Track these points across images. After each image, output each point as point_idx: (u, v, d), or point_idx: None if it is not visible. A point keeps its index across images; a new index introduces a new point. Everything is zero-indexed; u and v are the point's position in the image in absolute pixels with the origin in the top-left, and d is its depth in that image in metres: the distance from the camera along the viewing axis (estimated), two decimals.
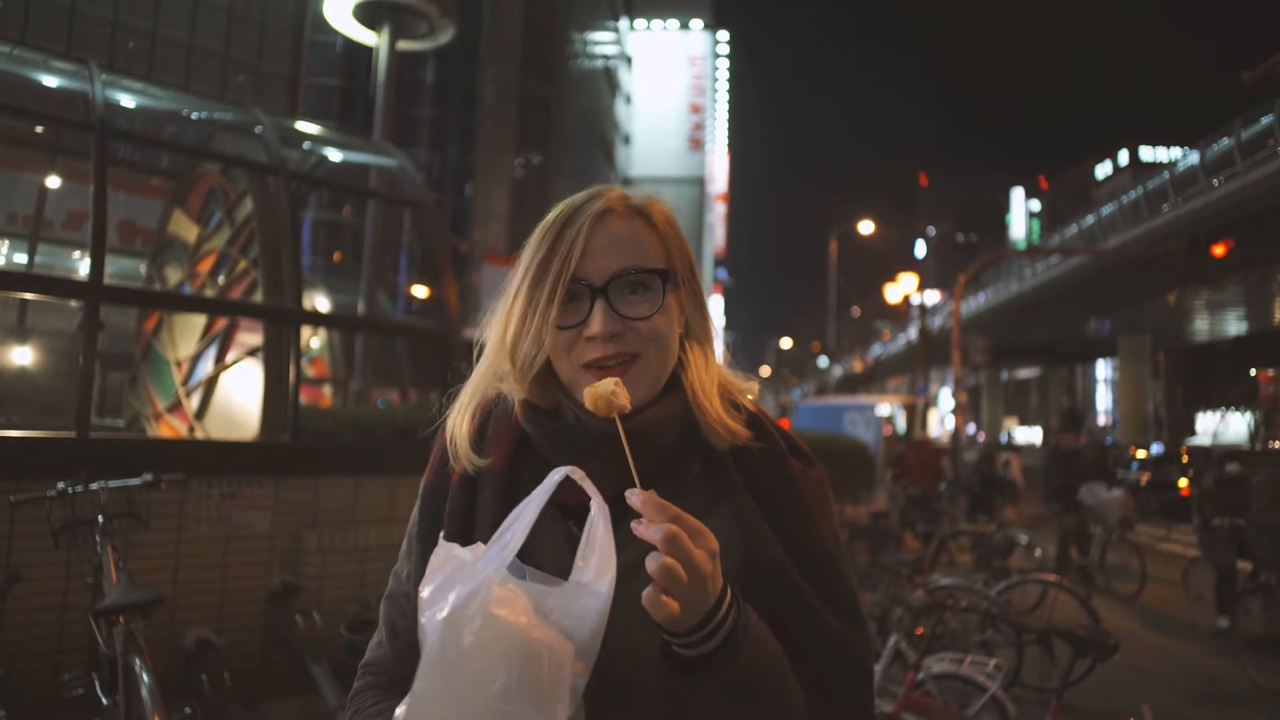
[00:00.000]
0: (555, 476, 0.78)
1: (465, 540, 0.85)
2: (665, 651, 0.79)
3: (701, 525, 0.75)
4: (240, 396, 5.91)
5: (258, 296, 5.64)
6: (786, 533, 0.91)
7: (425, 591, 0.75)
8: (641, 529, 0.73)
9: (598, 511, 0.75)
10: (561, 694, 0.70)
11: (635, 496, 0.74)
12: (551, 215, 0.95)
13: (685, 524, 0.73)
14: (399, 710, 0.75)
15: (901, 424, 23.65)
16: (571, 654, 0.71)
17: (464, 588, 0.71)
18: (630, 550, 0.85)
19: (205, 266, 6.64)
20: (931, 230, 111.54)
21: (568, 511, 0.88)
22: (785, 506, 0.93)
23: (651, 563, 0.71)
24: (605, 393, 0.83)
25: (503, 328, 0.94)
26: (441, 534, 0.89)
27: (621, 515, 0.87)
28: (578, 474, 0.78)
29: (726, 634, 0.76)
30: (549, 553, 0.87)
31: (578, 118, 51.79)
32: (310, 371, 11.60)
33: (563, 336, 0.90)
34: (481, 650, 0.69)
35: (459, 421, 0.98)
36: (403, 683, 0.90)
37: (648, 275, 0.91)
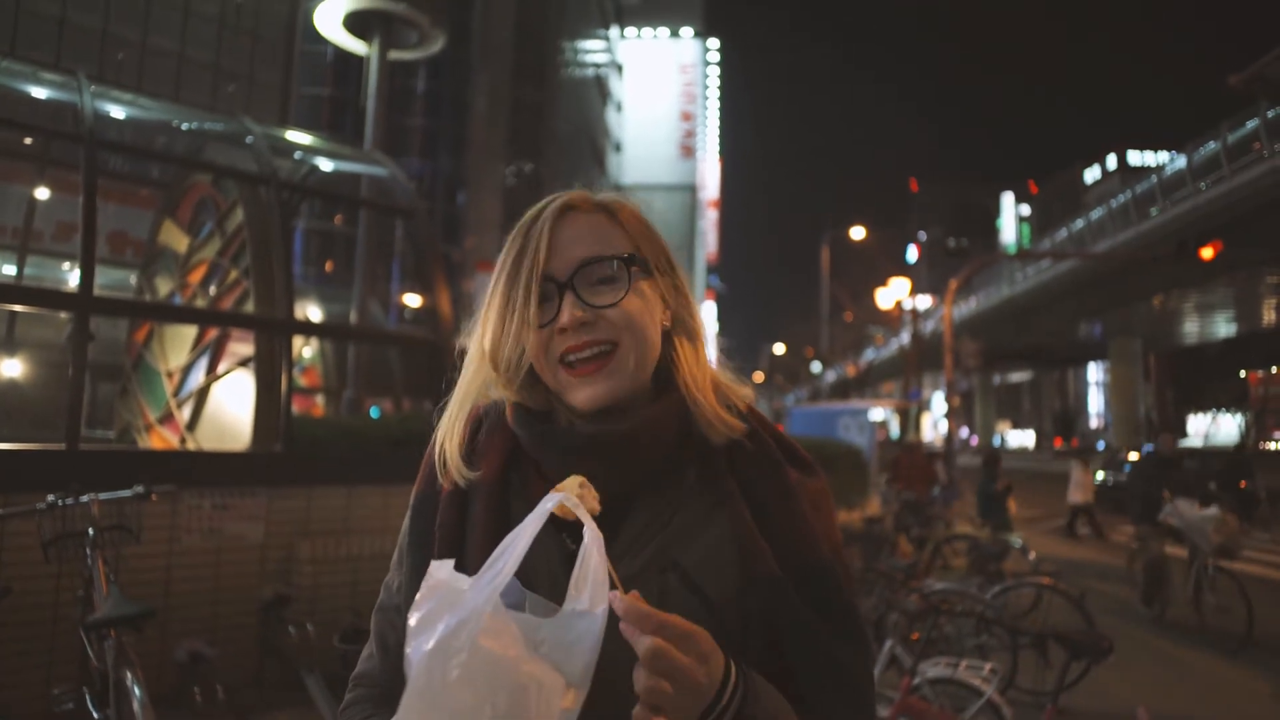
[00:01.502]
0: (548, 504, 0.76)
1: (456, 554, 0.84)
2: None
3: (691, 628, 0.72)
4: (232, 407, 5.87)
5: (249, 306, 5.62)
6: (781, 547, 0.89)
7: (413, 620, 0.72)
8: (628, 632, 0.71)
9: (591, 540, 0.73)
10: None
11: (618, 602, 0.71)
12: (522, 219, 0.95)
13: (671, 631, 0.71)
14: None
15: (895, 428, 23.71)
16: (562, 686, 0.69)
17: (453, 617, 0.69)
18: (626, 563, 0.84)
19: (196, 277, 6.62)
20: (923, 235, 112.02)
21: (561, 525, 0.85)
22: (781, 520, 0.91)
23: (638, 681, 0.69)
24: (573, 492, 0.78)
25: (481, 333, 0.94)
26: (432, 558, 0.87)
27: (616, 521, 0.87)
28: (571, 501, 0.76)
29: (732, 718, 0.74)
30: (542, 571, 0.85)
31: (569, 125, 51.90)
32: (302, 381, 11.55)
33: (541, 335, 0.89)
34: (468, 683, 0.66)
35: (448, 432, 0.97)
36: (394, 696, 0.89)
37: (612, 262, 0.90)
